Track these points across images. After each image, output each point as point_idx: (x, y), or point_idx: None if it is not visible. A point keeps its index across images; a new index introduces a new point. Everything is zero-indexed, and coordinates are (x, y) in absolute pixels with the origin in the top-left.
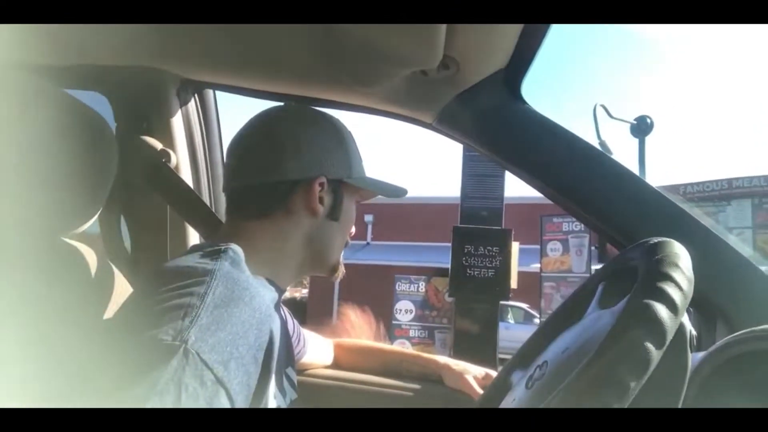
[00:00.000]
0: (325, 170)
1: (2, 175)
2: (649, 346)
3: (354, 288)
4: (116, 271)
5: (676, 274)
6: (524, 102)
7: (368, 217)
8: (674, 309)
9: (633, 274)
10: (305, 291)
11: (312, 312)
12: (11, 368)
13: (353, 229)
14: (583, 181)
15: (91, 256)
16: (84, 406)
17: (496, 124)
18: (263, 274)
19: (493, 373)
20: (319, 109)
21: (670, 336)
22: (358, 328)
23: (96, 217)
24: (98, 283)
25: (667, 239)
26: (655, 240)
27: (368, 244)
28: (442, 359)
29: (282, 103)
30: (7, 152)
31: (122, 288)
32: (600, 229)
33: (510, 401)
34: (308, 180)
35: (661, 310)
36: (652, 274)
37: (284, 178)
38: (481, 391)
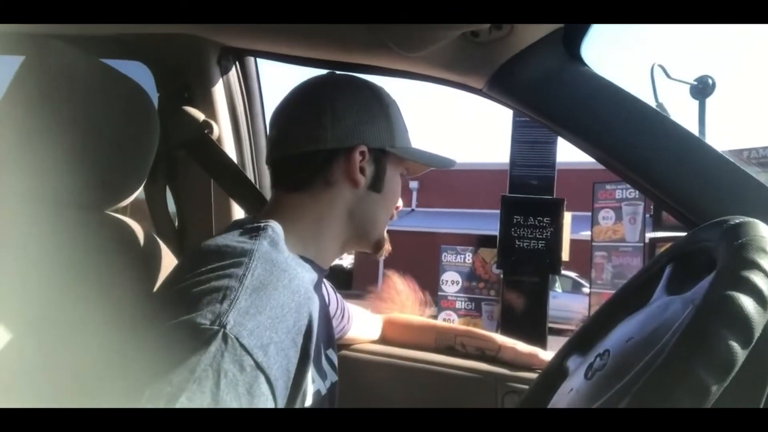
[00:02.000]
0: (366, 139)
1: (45, 148)
2: (734, 345)
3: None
4: (163, 245)
5: (764, 261)
6: (584, 64)
7: (413, 184)
8: (763, 302)
9: (706, 257)
10: (350, 260)
11: (357, 279)
12: (56, 341)
13: (400, 203)
14: (646, 148)
15: (137, 230)
16: (123, 388)
17: (554, 89)
18: (305, 252)
19: (542, 352)
20: (364, 77)
21: (757, 333)
22: (403, 296)
23: (140, 190)
24: (145, 257)
25: (750, 219)
26: (737, 220)
27: (413, 210)
28: (500, 337)
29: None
30: (47, 125)
31: (169, 262)
32: (660, 198)
33: (567, 390)
34: (348, 149)
35: (748, 304)
36: (736, 260)
37: (323, 147)
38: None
